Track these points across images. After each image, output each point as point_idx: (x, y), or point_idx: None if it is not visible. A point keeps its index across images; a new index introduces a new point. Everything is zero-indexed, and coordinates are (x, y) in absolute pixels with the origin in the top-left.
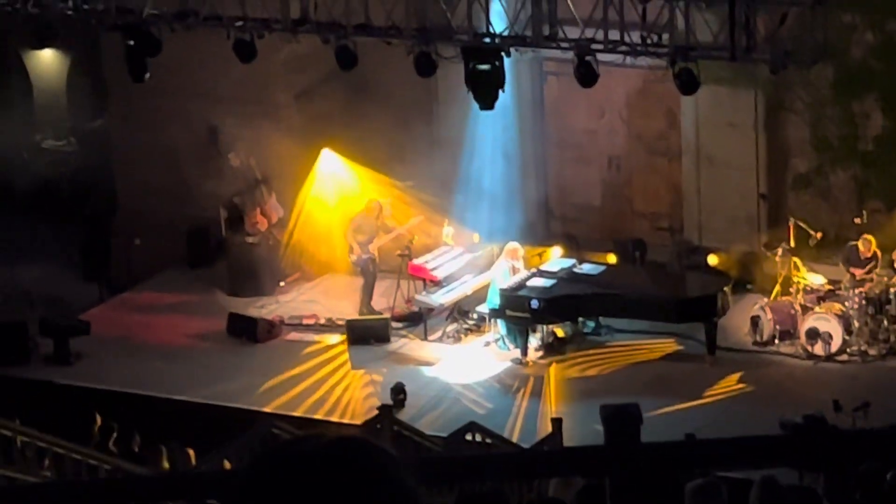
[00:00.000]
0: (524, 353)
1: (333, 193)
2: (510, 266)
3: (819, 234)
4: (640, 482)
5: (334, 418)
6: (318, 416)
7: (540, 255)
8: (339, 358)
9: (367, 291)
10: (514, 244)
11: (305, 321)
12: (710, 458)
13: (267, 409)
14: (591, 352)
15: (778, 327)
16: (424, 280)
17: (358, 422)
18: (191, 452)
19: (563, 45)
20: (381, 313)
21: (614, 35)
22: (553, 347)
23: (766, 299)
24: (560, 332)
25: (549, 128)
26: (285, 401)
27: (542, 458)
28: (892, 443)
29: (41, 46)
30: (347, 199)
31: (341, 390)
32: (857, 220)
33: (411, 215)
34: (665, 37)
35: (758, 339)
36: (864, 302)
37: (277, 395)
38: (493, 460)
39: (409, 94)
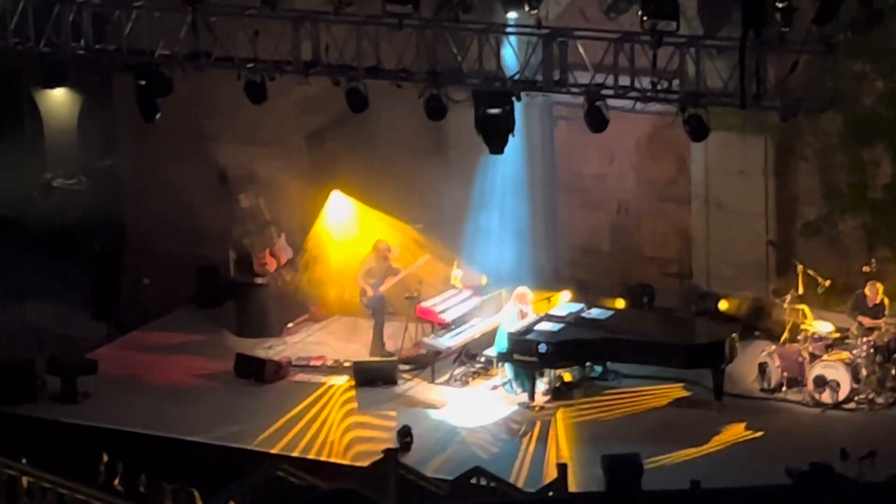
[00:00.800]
0: (531, 397)
1: (342, 235)
2: (518, 310)
3: (827, 282)
4: None
5: (340, 460)
6: (323, 458)
7: (548, 299)
8: (346, 400)
9: (379, 332)
10: (522, 288)
11: (313, 363)
12: None
13: (273, 451)
14: (598, 397)
15: (786, 374)
16: (432, 323)
17: (363, 464)
18: (196, 494)
19: (574, 89)
20: (392, 355)
21: (625, 80)
22: (560, 392)
23: (774, 346)
24: (568, 377)
25: (559, 172)
26: (291, 442)
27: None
28: None
29: (53, 86)
30: (356, 242)
31: (348, 433)
32: (866, 269)
33: (419, 257)
34: (675, 83)
35: (765, 385)
36: (872, 350)
37: (283, 436)
38: None
39: (420, 138)
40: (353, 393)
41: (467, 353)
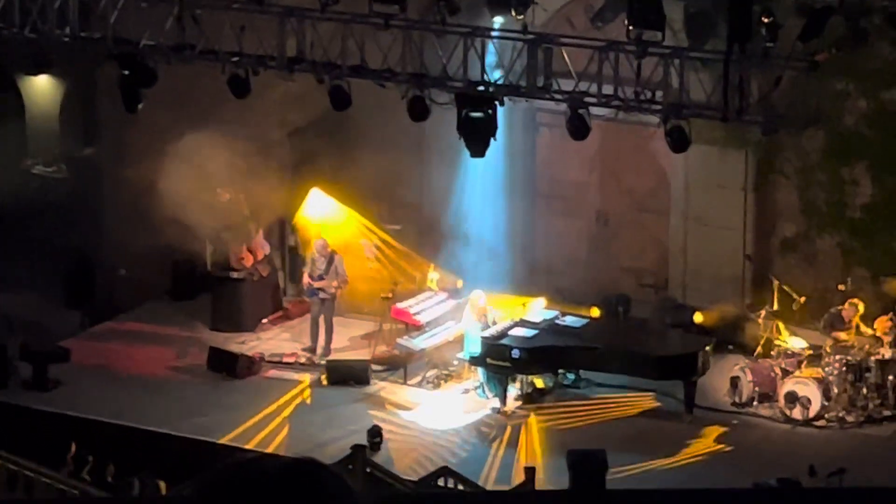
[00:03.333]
0: (503, 402)
1: (320, 233)
2: (477, 316)
3: (802, 299)
4: None
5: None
6: (292, 455)
7: (523, 304)
8: (318, 398)
9: (313, 329)
10: (476, 293)
11: (286, 359)
12: None
13: (243, 445)
14: (569, 404)
15: (757, 389)
16: (407, 324)
17: (331, 461)
18: (162, 484)
19: (557, 96)
20: (313, 351)
21: (608, 89)
22: (532, 398)
23: (746, 360)
24: (540, 383)
25: (539, 179)
26: (261, 438)
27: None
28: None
29: (37, 72)
30: (333, 240)
31: (318, 430)
32: (842, 287)
33: (398, 258)
34: (658, 94)
35: (737, 399)
36: (844, 368)
37: (254, 431)
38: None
39: (402, 139)
40: (324, 391)
41: (440, 356)
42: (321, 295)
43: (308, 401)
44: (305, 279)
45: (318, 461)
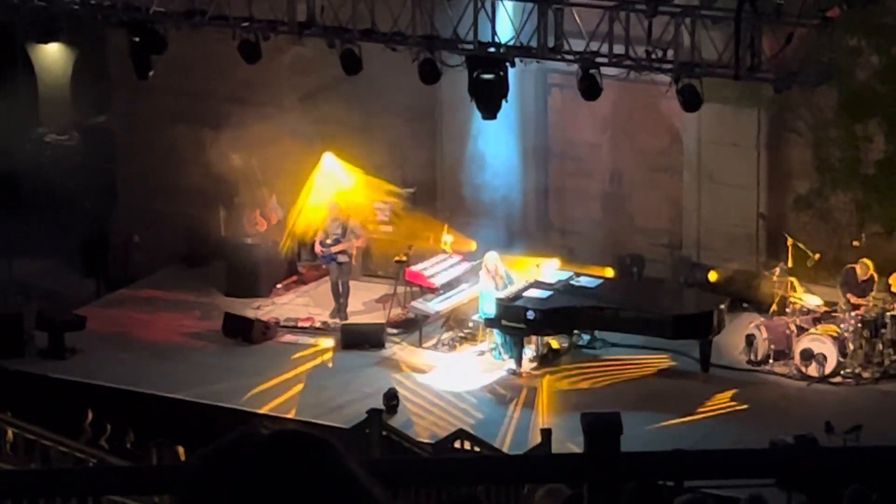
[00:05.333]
0: (518, 363)
1: (334, 197)
2: (489, 277)
3: (817, 256)
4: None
5: (325, 422)
6: (309, 419)
7: (538, 265)
8: (333, 362)
9: (335, 293)
10: (490, 254)
11: (301, 324)
12: (690, 469)
13: (259, 411)
14: (585, 365)
15: (773, 347)
16: (421, 287)
17: (348, 426)
18: (180, 450)
19: (568, 57)
20: (338, 315)
21: (619, 49)
22: (547, 359)
23: (761, 318)
24: (555, 344)
25: (552, 140)
26: (277, 402)
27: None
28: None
29: (47, 40)
30: (347, 204)
31: (334, 394)
32: (856, 243)
33: (412, 221)
34: (670, 53)
35: (752, 358)
36: (859, 325)
37: (270, 396)
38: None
39: (413, 101)
40: (340, 355)
41: (455, 318)
42: (340, 259)
43: (324, 365)
44: (318, 247)
45: (299, 430)
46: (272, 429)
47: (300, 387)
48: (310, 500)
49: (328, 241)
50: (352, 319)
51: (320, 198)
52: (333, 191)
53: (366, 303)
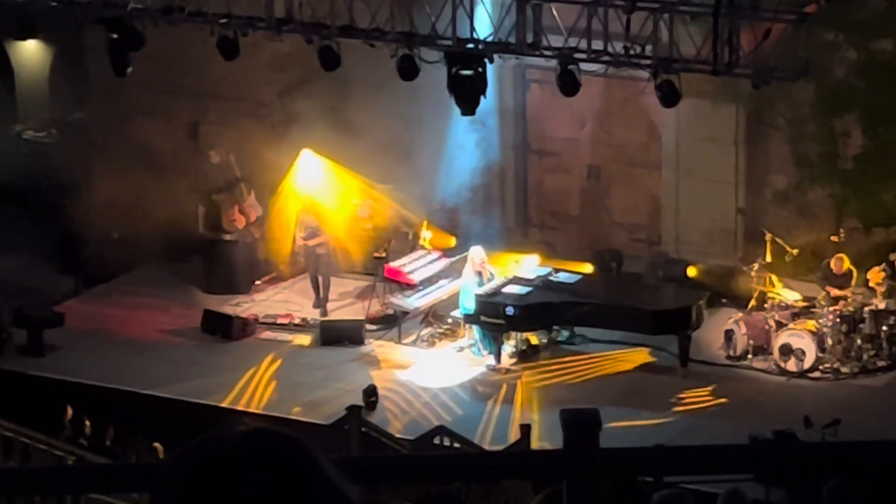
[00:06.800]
0: (497, 359)
1: (312, 194)
2: (475, 271)
3: (795, 251)
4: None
5: (305, 418)
6: (288, 416)
7: (517, 261)
8: (312, 358)
9: (313, 285)
10: (475, 249)
11: (280, 320)
12: (670, 464)
13: (238, 407)
14: (564, 360)
15: (751, 342)
16: (400, 283)
17: (327, 422)
18: (159, 447)
19: (547, 53)
20: (325, 313)
21: (598, 45)
22: (526, 355)
23: (740, 314)
24: (534, 340)
25: (530, 135)
26: (256, 399)
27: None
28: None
29: (25, 37)
30: (326, 200)
31: (312, 390)
32: (834, 238)
33: (391, 217)
34: (648, 48)
35: (731, 353)
36: (838, 320)
37: (249, 393)
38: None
39: (391, 98)
40: (319, 351)
41: (434, 314)
42: (318, 251)
43: (303, 361)
44: (300, 242)
45: (274, 429)
46: (248, 427)
47: (279, 383)
48: (281, 500)
49: (303, 235)
50: (331, 316)
51: (297, 193)
52: (309, 186)
53: (345, 298)
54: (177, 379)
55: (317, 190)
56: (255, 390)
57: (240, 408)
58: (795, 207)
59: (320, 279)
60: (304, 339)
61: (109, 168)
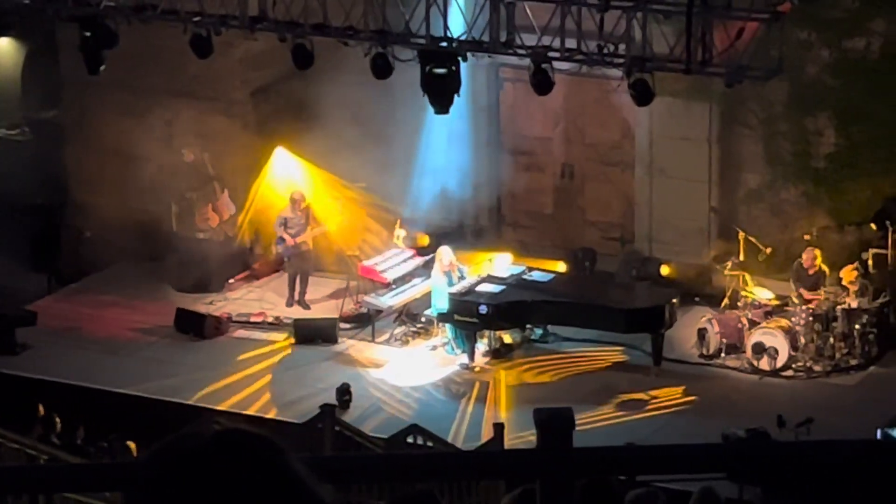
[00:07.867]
0: (471, 358)
1: (285, 192)
2: (443, 272)
3: (769, 250)
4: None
5: (278, 417)
6: (262, 415)
7: (490, 260)
8: (285, 357)
9: (290, 284)
10: (444, 249)
11: (253, 319)
12: (642, 464)
13: (211, 406)
14: (538, 359)
15: (724, 341)
16: (374, 281)
17: (300, 421)
18: (132, 446)
19: (520, 51)
20: (295, 304)
21: (571, 43)
22: (500, 353)
23: (713, 312)
24: (508, 339)
25: (504, 134)
26: (230, 398)
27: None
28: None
29: None
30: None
31: (286, 389)
32: (807, 237)
33: (364, 216)
34: (622, 47)
35: (704, 351)
36: (811, 318)
37: (222, 391)
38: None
39: (365, 96)
40: (292, 350)
41: (408, 313)
42: (303, 248)
43: (277, 360)
44: (289, 240)
45: (246, 430)
46: (221, 426)
47: (252, 382)
48: (253, 499)
49: (291, 232)
50: (305, 314)
51: (277, 191)
52: (291, 183)
53: (319, 297)
54: (150, 377)
55: (291, 188)
56: (227, 389)
57: (213, 407)
58: (768, 206)
59: (299, 277)
60: (278, 338)
61: (82, 166)
